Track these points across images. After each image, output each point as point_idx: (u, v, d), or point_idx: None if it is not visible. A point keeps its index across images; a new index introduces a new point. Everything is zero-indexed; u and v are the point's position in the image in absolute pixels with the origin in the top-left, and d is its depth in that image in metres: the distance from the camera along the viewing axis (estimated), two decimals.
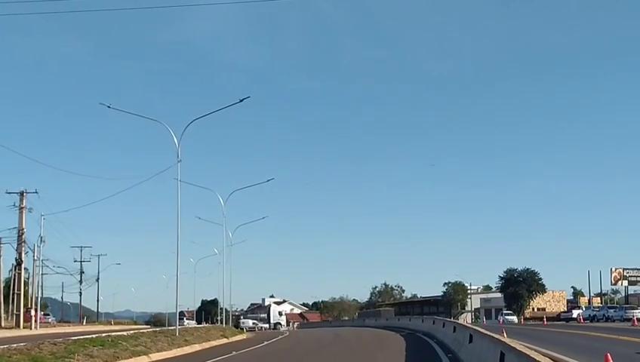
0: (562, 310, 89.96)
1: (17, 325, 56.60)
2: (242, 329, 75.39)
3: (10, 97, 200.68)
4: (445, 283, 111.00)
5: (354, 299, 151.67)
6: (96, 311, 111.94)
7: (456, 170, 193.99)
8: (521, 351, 11.51)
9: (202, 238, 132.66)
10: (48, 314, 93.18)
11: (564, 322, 67.06)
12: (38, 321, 58.28)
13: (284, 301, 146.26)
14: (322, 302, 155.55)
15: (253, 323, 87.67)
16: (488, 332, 18.40)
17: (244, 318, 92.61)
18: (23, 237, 57.75)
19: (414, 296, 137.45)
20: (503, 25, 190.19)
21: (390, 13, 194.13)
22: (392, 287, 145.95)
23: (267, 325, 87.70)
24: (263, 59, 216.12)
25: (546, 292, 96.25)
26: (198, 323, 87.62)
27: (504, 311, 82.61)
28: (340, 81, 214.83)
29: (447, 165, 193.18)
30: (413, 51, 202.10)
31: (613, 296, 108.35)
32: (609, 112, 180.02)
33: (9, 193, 58.02)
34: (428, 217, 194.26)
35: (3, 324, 58.53)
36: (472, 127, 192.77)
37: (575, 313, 73.29)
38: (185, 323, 75.73)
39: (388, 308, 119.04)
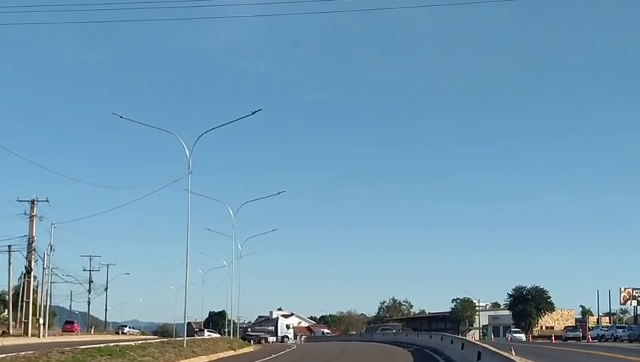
0: (566, 325, 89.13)
1: (26, 333, 56.71)
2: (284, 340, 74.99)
3: (23, 105, 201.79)
4: (454, 300, 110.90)
5: (362, 314, 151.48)
6: (104, 320, 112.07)
7: (466, 186, 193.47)
8: None
9: (211, 249, 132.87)
10: (125, 326, 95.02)
11: (572, 341, 66.48)
12: (47, 329, 58.44)
13: (292, 314, 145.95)
14: (330, 315, 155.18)
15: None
16: (497, 350, 18.34)
17: (286, 329, 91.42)
18: (33, 245, 57.89)
19: (422, 311, 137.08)
20: (520, 42, 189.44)
21: (408, 27, 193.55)
22: (400, 302, 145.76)
23: (274, 338, 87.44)
24: (278, 71, 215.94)
25: (554, 310, 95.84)
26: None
27: (512, 329, 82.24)
28: (354, 94, 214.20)
29: (458, 181, 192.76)
30: (430, 65, 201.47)
31: (622, 315, 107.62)
32: (622, 131, 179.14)
33: (20, 201, 58.13)
34: (437, 233, 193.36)
35: (12, 332, 58.62)
36: (484, 144, 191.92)
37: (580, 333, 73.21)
38: (205, 334, 75.74)
39: (396, 323, 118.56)
